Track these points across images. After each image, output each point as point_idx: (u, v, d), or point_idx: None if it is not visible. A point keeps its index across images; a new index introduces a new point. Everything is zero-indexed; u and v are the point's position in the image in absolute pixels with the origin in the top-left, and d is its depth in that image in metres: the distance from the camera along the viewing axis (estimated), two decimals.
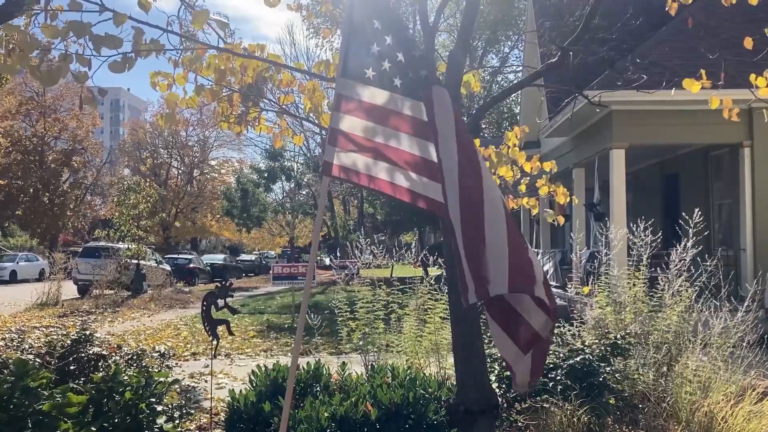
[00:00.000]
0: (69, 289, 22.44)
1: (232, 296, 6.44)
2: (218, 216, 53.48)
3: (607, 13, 5.67)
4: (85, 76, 3.59)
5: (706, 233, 7.03)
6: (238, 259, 51.12)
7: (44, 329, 11.17)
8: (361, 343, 7.31)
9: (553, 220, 7.25)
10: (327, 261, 48.46)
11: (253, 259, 52.99)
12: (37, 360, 5.43)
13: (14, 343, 6.01)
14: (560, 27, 8.43)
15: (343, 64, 3.65)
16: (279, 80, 5.96)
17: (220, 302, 6.40)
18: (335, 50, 26.30)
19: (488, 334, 7.05)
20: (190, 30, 4.96)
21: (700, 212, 6.84)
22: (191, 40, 4.66)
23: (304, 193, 48.03)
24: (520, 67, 25.73)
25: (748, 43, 5.13)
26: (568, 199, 6.91)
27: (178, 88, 5.09)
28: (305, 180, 45.58)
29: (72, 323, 14.12)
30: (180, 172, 58.27)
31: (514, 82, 28.73)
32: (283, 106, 6.52)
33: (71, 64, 3.54)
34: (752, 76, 5.22)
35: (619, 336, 6.09)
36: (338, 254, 43.19)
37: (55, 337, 5.92)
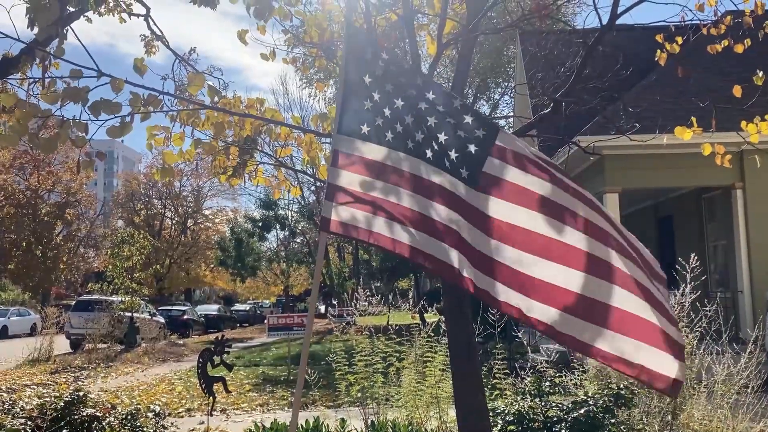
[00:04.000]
0: (61, 344, 22.07)
1: (228, 353, 6.35)
2: (212, 266, 53.20)
3: (597, 59, 5.75)
4: (83, 141, 3.60)
5: (703, 278, 6.99)
6: (232, 309, 50.67)
7: (36, 387, 10.94)
8: (359, 395, 7.17)
9: None
10: (322, 309, 48.04)
11: (248, 308, 52.55)
12: (29, 423, 5.29)
13: (5, 406, 5.85)
14: (551, 78, 8.57)
15: (340, 120, 3.65)
16: (277, 134, 5.99)
17: (216, 359, 6.32)
18: (329, 100, 26.62)
19: (489, 387, 6.97)
20: (186, 84, 5.00)
21: (696, 255, 6.82)
22: (188, 101, 4.68)
23: (298, 241, 47.91)
24: (512, 115, 26.03)
25: (737, 91, 5.21)
26: None
27: (176, 148, 5.10)
28: (300, 228, 45.53)
29: (64, 380, 13.87)
30: (174, 222, 58.16)
31: (506, 128, 29.01)
32: (280, 159, 6.53)
33: (69, 129, 3.54)
34: (743, 123, 5.29)
35: (622, 385, 5.99)
36: (333, 302, 42.86)
37: (47, 399, 5.76)
